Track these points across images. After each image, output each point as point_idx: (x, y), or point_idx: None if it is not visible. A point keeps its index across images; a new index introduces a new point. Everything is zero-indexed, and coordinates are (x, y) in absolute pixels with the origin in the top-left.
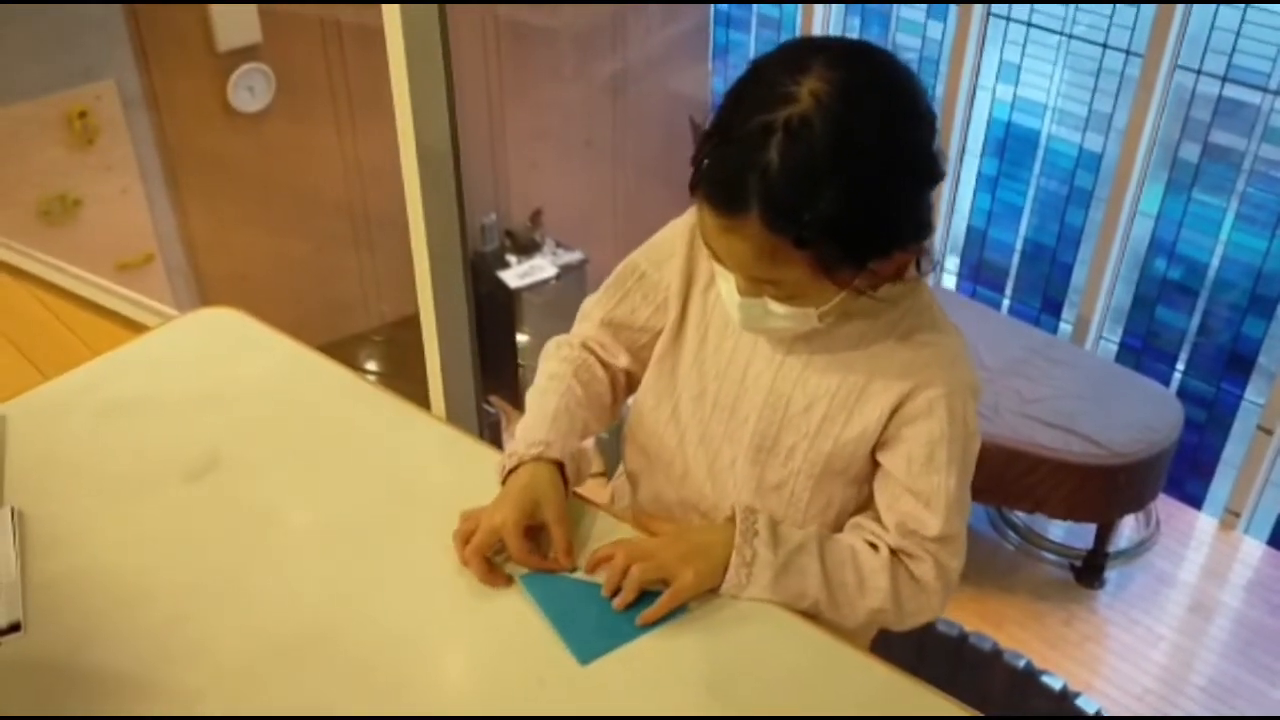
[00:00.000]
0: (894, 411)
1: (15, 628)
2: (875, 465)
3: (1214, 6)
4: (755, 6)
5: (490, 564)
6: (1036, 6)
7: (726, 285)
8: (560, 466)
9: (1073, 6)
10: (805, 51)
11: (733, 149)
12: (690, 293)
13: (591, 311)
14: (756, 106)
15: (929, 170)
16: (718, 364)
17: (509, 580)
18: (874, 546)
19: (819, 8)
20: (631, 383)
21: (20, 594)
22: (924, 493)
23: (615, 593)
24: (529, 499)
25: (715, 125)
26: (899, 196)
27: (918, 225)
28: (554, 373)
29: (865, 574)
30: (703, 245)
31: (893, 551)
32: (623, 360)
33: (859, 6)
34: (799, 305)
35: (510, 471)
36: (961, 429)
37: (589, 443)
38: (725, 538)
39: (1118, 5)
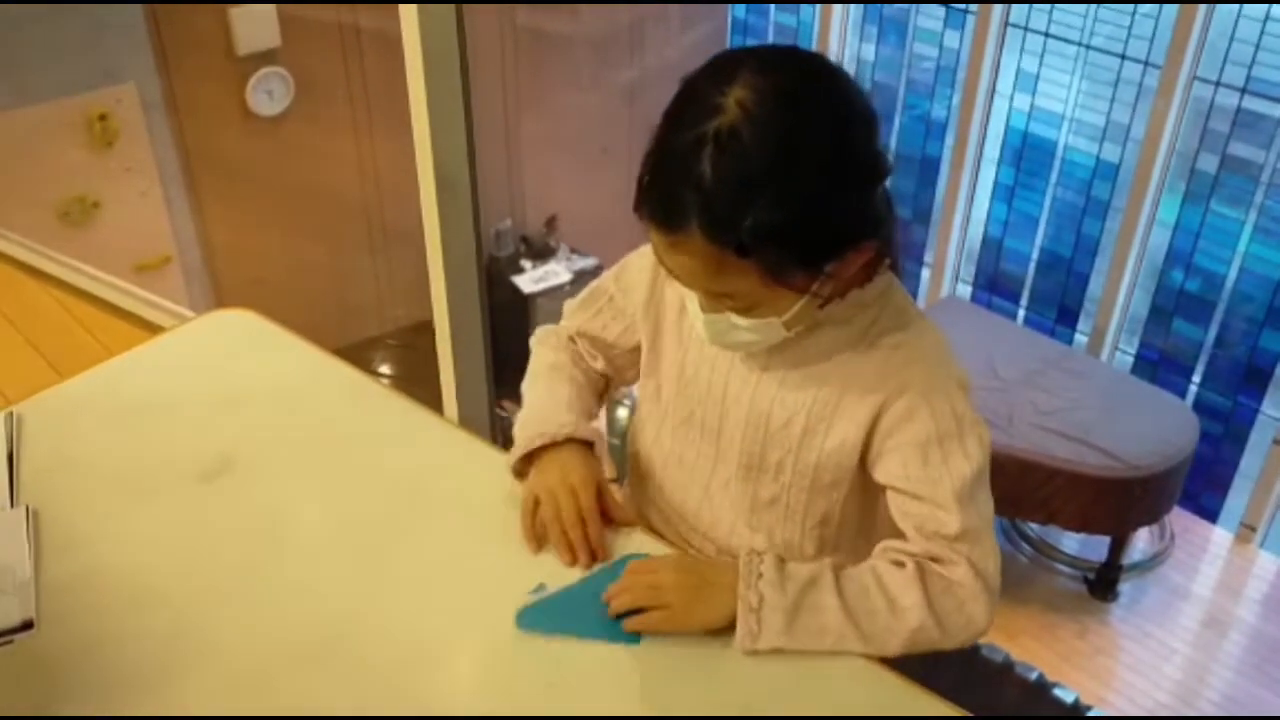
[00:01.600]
0: (873, 421)
1: (28, 626)
2: (869, 476)
3: (1233, 19)
4: (772, 16)
5: (587, 531)
6: (1055, 18)
7: (692, 304)
8: (588, 446)
9: (1091, 18)
10: (731, 62)
11: (667, 165)
12: (661, 323)
13: (572, 316)
14: (688, 122)
15: (870, 169)
16: (699, 388)
17: (603, 553)
18: (900, 564)
19: (836, 16)
20: (608, 385)
21: (34, 592)
22: (929, 495)
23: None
24: (593, 470)
25: (653, 145)
26: (839, 197)
27: (865, 224)
28: (554, 362)
29: (894, 594)
30: (668, 275)
31: (921, 564)
32: (600, 365)
33: (876, 16)
34: (761, 316)
35: (539, 450)
36: (952, 424)
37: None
38: (733, 582)
39: (1136, 17)
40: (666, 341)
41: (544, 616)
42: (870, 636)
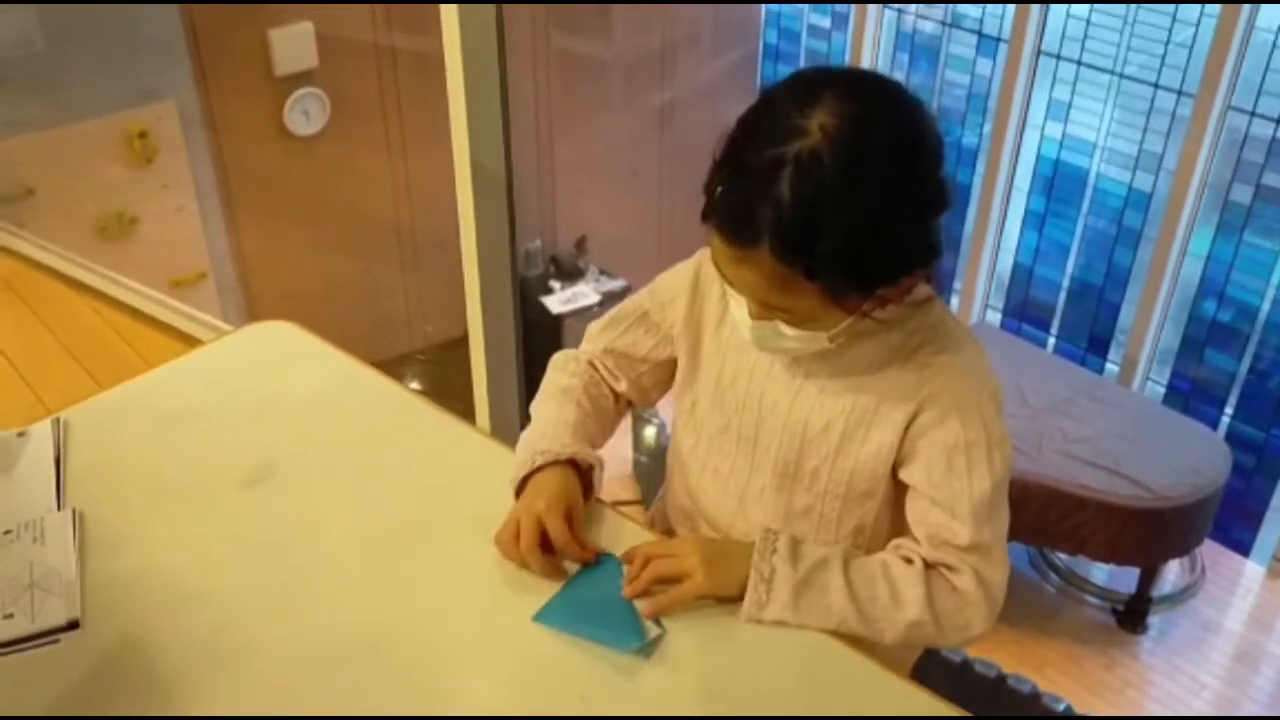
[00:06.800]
0: (907, 425)
1: (74, 625)
2: (901, 487)
3: (1268, 49)
4: (803, 42)
5: (547, 555)
6: (1087, 46)
7: (739, 309)
8: (579, 472)
9: (1124, 47)
10: (815, 83)
11: (744, 181)
12: (701, 335)
13: (597, 337)
14: (768, 139)
15: (936, 199)
16: (736, 397)
17: (564, 573)
18: (909, 560)
19: (867, 42)
20: (628, 407)
21: (79, 593)
22: (947, 501)
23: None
24: (564, 493)
25: (727, 155)
26: (905, 226)
27: (925, 251)
28: (566, 386)
29: (898, 586)
30: (707, 289)
31: (930, 566)
32: (622, 385)
33: (907, 42)
34: (810, 329)
35: (536, 470)
36: (980, 433)
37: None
38: (746, 551)
39: (1170, 45)
40: (705, 354)
41: (558, 614)
42: (871, 621)
